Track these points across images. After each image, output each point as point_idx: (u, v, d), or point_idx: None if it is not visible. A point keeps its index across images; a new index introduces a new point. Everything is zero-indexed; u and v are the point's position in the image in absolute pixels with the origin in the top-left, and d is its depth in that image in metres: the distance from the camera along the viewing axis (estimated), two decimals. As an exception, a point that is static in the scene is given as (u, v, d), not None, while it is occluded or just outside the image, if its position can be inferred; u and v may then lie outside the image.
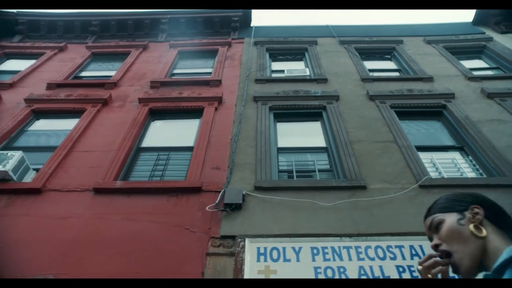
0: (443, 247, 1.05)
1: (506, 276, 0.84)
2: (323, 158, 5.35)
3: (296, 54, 8.50)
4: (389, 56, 8.53)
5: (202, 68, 7.92)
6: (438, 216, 1.09)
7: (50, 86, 6.77)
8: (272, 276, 3.51)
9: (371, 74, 7.41)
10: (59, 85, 6.84)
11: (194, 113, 6.14)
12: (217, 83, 6.84)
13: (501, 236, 0.98)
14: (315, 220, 4.09)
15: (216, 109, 6.05)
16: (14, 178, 4.54)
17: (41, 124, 6.08)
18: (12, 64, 7.94)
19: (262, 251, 3.74)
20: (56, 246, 3.77)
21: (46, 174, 4.70)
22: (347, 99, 6.46)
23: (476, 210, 1.03)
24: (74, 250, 3.76)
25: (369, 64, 8.00)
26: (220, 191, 4.44)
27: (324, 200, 4.29)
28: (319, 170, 5.08)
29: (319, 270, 3.57)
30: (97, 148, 5.29)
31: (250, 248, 3.76)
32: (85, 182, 4.65)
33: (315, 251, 3.73)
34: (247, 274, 3.50)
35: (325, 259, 3.66)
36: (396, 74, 7.76)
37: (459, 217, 1.04)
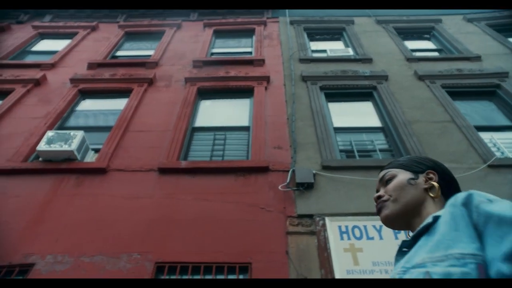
0: (384, 199, 1.04)
1: (420, 242, 0.85)
2: (380, 138, 5.28)
3: (334, 34, 8.30)
4: (428, 36, 8.33)
5: (240, 47, 7.76)
6: (393, 171, 1.09)
7: (91, 66, 6.63)
8: (359, 254, 3.49)
9: (414, 54, 7.25)
10: (100, 65, 6.71)
11: (243, 92, 6.03)
12: (261, 62, 6.70)
13: (441, 205, 0.97)
14: (390, 199, 4.05)
15: (265, 88, 5.94)
16: (78, 157, 4.49)
17: (88, 104, 5.98)
18: (47, 44, 7.78)
19: (343, 229, 3.71)
20: (135, 226, 3.75)
21: (108, 154, 4.64)
22: (395, 79, 6.33)
23: (431, 175, 1.04)
24: (153, 229, 3.73)
25: (409, 44, 7.82)
26: (287, 171, 4.39)
27: (395, 180, 4.24)
28: (379, 150, 5.03)
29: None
30: (152, 128, 5.21)
31: (331, 226, 3.74)
32: (147, 162, 4.59)
33: (396, 229, 3.71)
34: (334, 253, 3.48)
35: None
36: (437, 54, 7.60)
37: (411, 176, 1.04)
